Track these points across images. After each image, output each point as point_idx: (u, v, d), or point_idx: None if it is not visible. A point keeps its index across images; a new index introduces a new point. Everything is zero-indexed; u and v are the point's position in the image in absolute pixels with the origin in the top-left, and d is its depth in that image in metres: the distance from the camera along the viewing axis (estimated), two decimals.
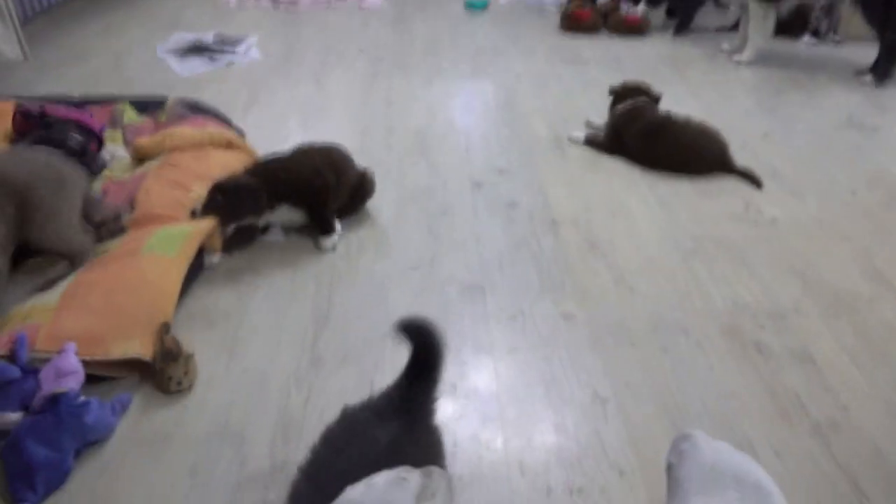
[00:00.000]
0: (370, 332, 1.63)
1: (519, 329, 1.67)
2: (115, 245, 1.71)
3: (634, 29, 3.75)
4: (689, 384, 1.52)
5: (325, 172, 1.89)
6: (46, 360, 1.37)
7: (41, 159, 1.71)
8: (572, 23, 3.79)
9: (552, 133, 2.65)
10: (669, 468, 0.90)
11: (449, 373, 1.52)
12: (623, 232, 2.06)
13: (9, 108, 2.19)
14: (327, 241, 1.91)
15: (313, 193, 1.88)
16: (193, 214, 1.79)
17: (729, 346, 1.62)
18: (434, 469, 0.77)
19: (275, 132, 2.55)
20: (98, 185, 2.01)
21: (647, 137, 2.41)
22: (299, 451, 1.32)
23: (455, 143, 2.56)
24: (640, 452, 1.35)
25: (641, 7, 3.77)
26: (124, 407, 1.40)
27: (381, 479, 0.75)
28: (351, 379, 1.50)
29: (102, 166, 2.11)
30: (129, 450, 1.32)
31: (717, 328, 1.68)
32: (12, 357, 1.39)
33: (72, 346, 1.39)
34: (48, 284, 1.61)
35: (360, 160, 2.38)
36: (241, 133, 2.37)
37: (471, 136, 2.61)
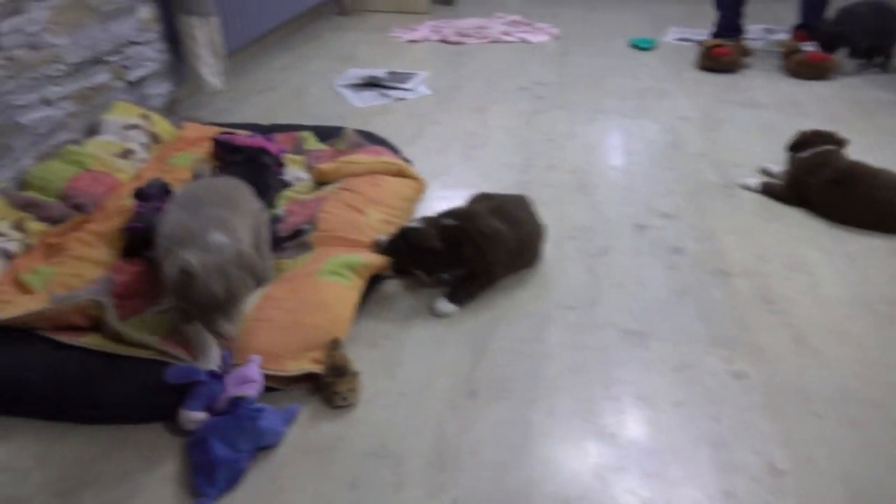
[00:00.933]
0: (528, 369, 1.62)
1: (684, 382, 1.58)
2: (301, 261, 1.83)
3: (819, 68, 3.49)
4: (882, 467, 1.35)
5: (508, 249, 1.86)
6: (235, 367, 1.49)
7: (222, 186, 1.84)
8: (710, 61, 3.61)
9: (722, 178, 2.52)
10: None
11: (607, 420, 1.47)
12: (804, 288, 1.90)
13: (211, 133, 2.46)
14: (447, 308, 1.81)
15: (487, 266, 1.84)
16: (378, 246, 1.87)
17: None
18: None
19: (437, 163, 2.64)
20: (282, 205, 2.17)
21: (834, 187, 2.22)
22: (454, 481, 1.33)
23: (616, 182, 2.51)
24: None
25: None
26: (293, 417, 1.48)
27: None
28: (505, 413, 1.49)
29: (285, 186, 2.28)
30: (294, 457, 1.39)
31: None
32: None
33: (257, 359, 1.50)
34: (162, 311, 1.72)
35: (514, 183, 2.40)
36: (407, 161, 2.47)
37: (633, 177, 2.55)
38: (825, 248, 2.09)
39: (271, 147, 2.31)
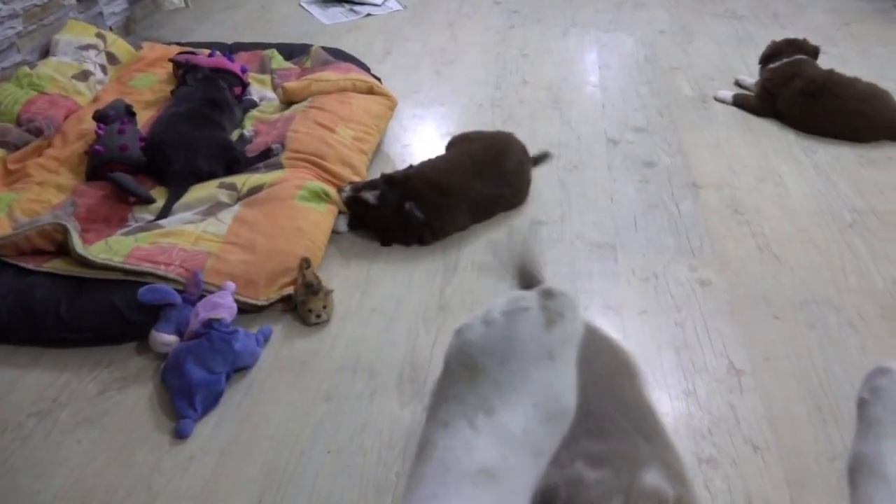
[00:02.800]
0: (497, 284, 1.64)
1: (651, 291, 1.61)
2: (272, 179, 1.81)
3: None
4: (837, 365, 1.41)
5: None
6: (208, 292, 1.49)
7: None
8: None
9: (697, 92, 2.50)
10: (861, 405, 0.79)
11: None
12: (772, 199, 1.92)
13: (171, 53, 2.36)
14: (340, 226, 1.79)
15: (431, 234, 1.77)
16: (340, 192, 1.80)
17: (889, 329, 1.48)
18: (549, 287, 0.68)
19: (409, 81, 2.58)
20: (249, 125, 2.12)
21: (805, 98, 2.21)
22: (425, 390, 1.36)
23: (590, 98, 2.48)
24: (778, 430, 1.28)
25: None
26: (266, 338, 1.49)
27: (497, 311, 0.64)
28: None
29: (251, 107, 2.22)
30: (271, 374, 1.42)
31: (875, 309, 1.54)
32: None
33: (231, 287, 1.50)
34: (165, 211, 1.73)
35: (492, 113, 2.35)
36: (377, 78, 2.41)
37: (608, 92, 2.52)
38: (795, 159, 2.10)
39: (234, 66, 2.23)
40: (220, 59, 2.24)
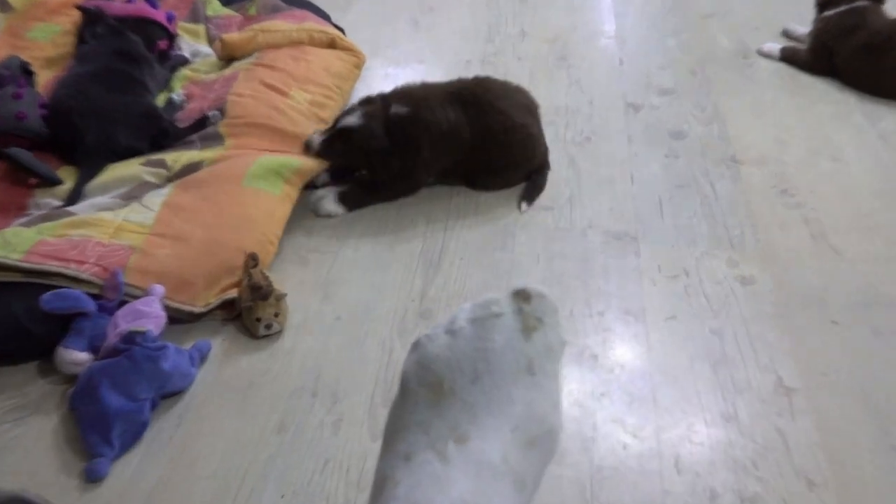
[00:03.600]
0: (491, 284, 1.64)
1: (681, 292, 1.62)
2: (213, 154, 1.80)
3: None
4: None
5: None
6: (131, 298, 1.48)
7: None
8: None
9: (737, 45, 2.52)
10: None
11: (589, 340, 1.51)
12: (828, 177, 1.95)
13: None
14: (333, 208, 1.84)
15: (414, 170, 1.85)
16: (308, 147, 1.83)
17: None
18: (524, 286, 0.68)
19: (380, 33, 2.57)
20: (179, 87, 2.11)
21: (869, 53, 2.24)
22: None
23: (605, 52, 2.49)
24: (837, 460, 1.29)
25: None
26: (204, 356, 1.48)
27: (463, 319, 0.64)
28: None
29: (181, 64, 2.21)
30: (210, 399, 1.41)
31: None
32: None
33: (159, 292, 1.49)
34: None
35: (483, 71, 2.35)
36: (340, 30, 2.40)
37: (626, 45, 2.53)
38: (856, 126, 2.13)
39: (157, 14, 2.21)
40: (139, 6, 2.22)
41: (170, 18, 2.26)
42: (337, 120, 1.85)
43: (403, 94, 1.85)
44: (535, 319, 0.65)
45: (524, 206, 1.85)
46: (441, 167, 1.86)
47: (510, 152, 1.87)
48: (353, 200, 1.85)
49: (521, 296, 0.66)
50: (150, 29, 2.16)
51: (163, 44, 2.18)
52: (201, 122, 1.92)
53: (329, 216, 1.84)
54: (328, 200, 1.84)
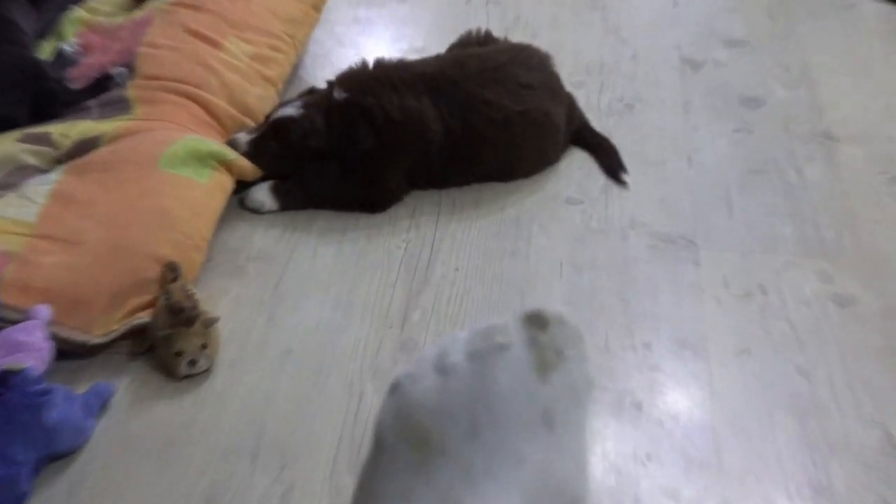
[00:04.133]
0: (499, 302, 1.65)
1: (755, 316, 1.63)
2: (115, 128, 1.80)
3: None
4: None
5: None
6: (5, 324, 1.46)
7: None
8: None
9: None
10: None
11: (631, 381, 1.52)
12: None
13: None
14: (264, 199, 1.87)
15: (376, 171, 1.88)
16: (236, 146, 1.84)
17: None
18: (539, 309, 0.67)
19: None
20: (70, 34, 2.10)
21: None
22: None
23: None
24: None
25: None
26: (104, 403, 1.48)
27: (459, 352, 0.64)
28: None
29: (73, 2, 2.20)
30: (112, 461, 1.40)
31: None
32: None
33: (43, 315, 1.47)
34: None
35: (489, 14, 2.36)
36: None
37: None
38: None
39: None
40: None
41: None
42: (270, 114, 1.88)
43: (351, 77, 1.89)
44: (554, 353, 0.65)
45: (624, 176, 1.91)
46: (406, 169, 1.87)
47: (508, 148, 1.89)
48: (291, 196, 1.87)
49: (536, 321, 0.65)
50: None
51: None
52: (101, 83, 1.92)
53: (257, 211, 1.85)
54: (259, 189, 1.86)
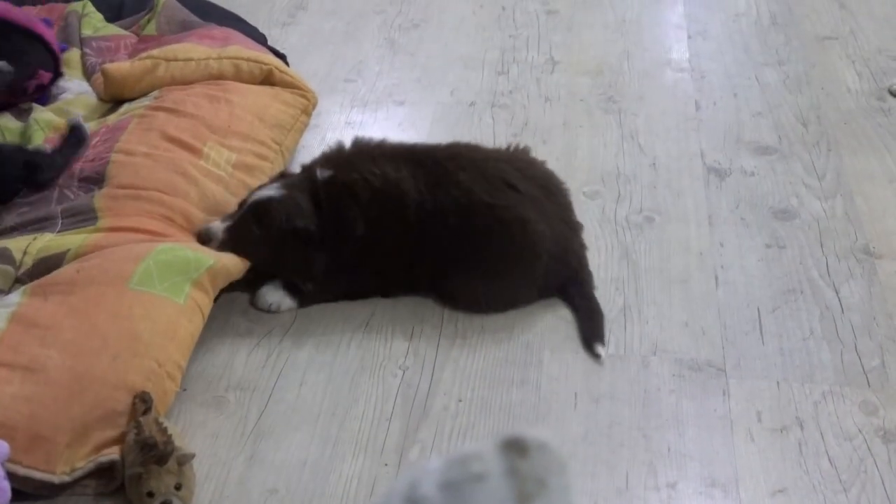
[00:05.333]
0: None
1: (791, 452, 1.63)
2: (81, 241, 1.82)
3: None
4: None
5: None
6: None
7: None
8: None
9: (869, 82, 2.60)
10: None
11: None
12: None
13: None
14: (278, 299, 1.92)
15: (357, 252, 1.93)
16: (205, 237, 1.87)
17: None
18: (518, 435, 0.66)
19: (339, 58, 2.64)
20: (39, 137, 2.13)
21: None
22: None
23: (674, 91, 2.56)
24: None
25: None
26: None
27: (429, 484, 0.63)
28: None
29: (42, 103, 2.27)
30: None
31: None
32: None
33: (2, 451, 1.47)
34: None
35: (494, 119, 2.40)
36: (281, 58, 2.47)
37: (705, 81, 2.60)
38: None
39: (47, 33, 2.27)
40: (27, 13, 2.30)
41: (62, 49, 2.34)
42: (245, 199, 1.91)
43: (331, 157, 1.96)
44: (535, 483, 0.65)
45: (599, 348, 1.82)
46: (387, 252, 1.90)
47: (477, 243, 1.89)
48: (306, 293, 1.92)
49: (515, 447, 0.65)
50: (32, 48, 2.23)
51: (45, 76, 2.26)
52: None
53: (270, 311, 1.89)
54: (272, 290, 1.89)
